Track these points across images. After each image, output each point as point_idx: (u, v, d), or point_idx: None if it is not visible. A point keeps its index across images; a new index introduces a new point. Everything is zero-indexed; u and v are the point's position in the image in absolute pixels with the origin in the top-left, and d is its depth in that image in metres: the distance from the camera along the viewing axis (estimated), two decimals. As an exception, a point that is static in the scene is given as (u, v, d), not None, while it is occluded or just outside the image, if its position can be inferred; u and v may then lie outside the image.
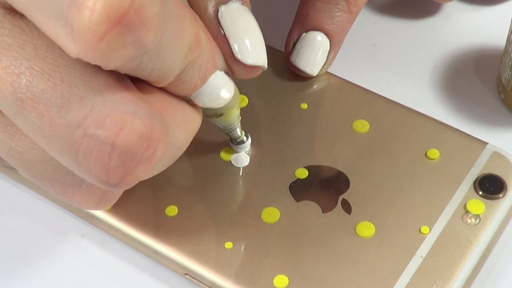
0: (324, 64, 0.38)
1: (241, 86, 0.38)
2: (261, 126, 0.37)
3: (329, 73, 0.38)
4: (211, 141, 0.36)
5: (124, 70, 0.25)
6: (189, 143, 0.29)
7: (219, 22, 0.29)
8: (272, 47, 0.39)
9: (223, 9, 0.29)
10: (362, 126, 0.36)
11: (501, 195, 0.33)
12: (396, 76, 0.40)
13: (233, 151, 0.35)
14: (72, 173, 0.27)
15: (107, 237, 0.34)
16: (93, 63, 0.24)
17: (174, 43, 0.25)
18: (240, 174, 0.35)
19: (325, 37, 0.38)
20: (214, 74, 0.28)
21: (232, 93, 0.30)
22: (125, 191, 0.34)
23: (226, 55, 0.29)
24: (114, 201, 0.29)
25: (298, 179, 0.34)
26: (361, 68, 0.40)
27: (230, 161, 0.35)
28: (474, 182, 0.34)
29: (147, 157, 0.25)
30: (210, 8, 0.29)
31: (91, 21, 0.22)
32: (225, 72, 0.29)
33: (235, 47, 0.29)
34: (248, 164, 0.35)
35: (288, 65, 0.38)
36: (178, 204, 0.34)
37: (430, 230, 0.32)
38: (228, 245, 0.33)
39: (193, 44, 0.27)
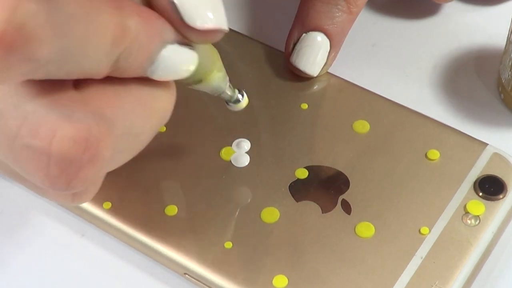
0: (325, 64, 0.38)
1: (242, 86, 0.38)
2: (261, 126, 0.37)
3: (329, 73, 0.38)
4: (211, 141, 0.36)
5: (35, 78, 0.24)
6: (160, 123, 0.28)
7: None
8: (272, 47, 0.40)
9: None
10: (362, 126, 0.36)
11: (501, 196, 0.33)
12: (396, 76, 0.40)
13: (233, 151, 0.35)
14: None
15: (107, 236, 0.34)
16: None
17: (88, 43, 0.24)
18: (240, 174, 0.35)
19: (325, 37, 0.38)
20: (164, 50, 0.27)
21: (194, 61, 0.28)
22: (124, 190, 0.35)
23: (173, 22, 0.27)
24: (90, 196, 0.29)
25: (298, 179, 0.34)
26: (361, 68, 0.40)
27: (230, 161, 0.35)
28: (474, 183, 0.34)
29: (89, 158, 0.25)
30: None
31: None
32: (179, 43, 0.27)
33: (180, 11, 0.27)
34: (248, 164, 0.35)
35: (288, 65, 0.38)
36: (177, 203, 0.34)
37: (430, 230, 0.32)
38: (228, 244, 0.33)
39: (118, 36, 0.25)
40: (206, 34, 0.27)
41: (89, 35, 0.24)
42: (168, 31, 0.27)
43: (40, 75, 0.24)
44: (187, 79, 0.28)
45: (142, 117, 0.27)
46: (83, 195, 0.29)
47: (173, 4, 0.27)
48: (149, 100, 0.28)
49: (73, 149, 0.25)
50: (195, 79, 0.29)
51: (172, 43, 0.27)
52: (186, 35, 0.27)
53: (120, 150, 0.27)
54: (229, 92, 0.32)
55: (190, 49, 0.28)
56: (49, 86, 0.25)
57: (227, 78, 0.31)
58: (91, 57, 0.25)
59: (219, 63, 0.30)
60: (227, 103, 0.33)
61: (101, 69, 0.25)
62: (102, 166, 0.26)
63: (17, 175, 0.27)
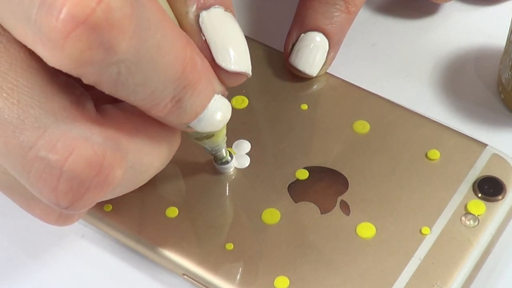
0: (324, 64, 0.38)
1: (241, 87, 0.38)
2: (261, 127, 0.37)
3: (329, 73, 0.38)
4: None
5: (103, 82, 0.24)
6: (162, 165, 0.29)
7: (200, 28, 0.28)
8: (272, 48, 0.40)
9: (204, 14, 0.28)
10: (362, 126, 0.36)
11: (500, 197, 0.33)
12: (396, 76, 0.40)
13: (234, 152, 0.35)
14: None
15: (107, 237, 0.34)
16: (64, 69, 0.24)
17: (159, 58, 0.25)
18: (241, 175, 0.35)
19: (324, 37, 0.38)
20: (213, 99, 0.28)
21: (229, 115, 0.29)
22: (125, 193, 0.34)
23: (209, 62, 0.28)
24: (74, 221, 0.30)
25: (297, 180, 0.34)
26: (361, 68, 0.40)
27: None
28: (473, 184, 0.34)
29: (97, 183, 0.25)
30: (191, 14, 0.28)
31: (57, 20, 0.22)
32: (221, 95, 0.29)
33: (217, 54, 0.28)
34: (248, 165, 0.35)
35: (288, 66, 0.38)
36: (178, 205, 0.34)
37: (431, 230, 0.32)
38: (229, 246, 0.33)
39: (188, 66, 0.26)
40: (235, 77, 0.29)
41: (163, 48, 0.25)
42: (217, 81, 0.28)
43: (108, 77, 0.24)
44: (207, 132, 0.29)
45: (151, 156, 0.28)
46: (69, 219, 0.29)
47: (207, 45, 0.28)
48: (160, 141, 0.28)
49: (86, 170, 0.25)
50: (210, 133, 0.30)
51: (218, 93, 0.28)
52: (219, 77, 0.28)
53: (127, 182, 0.27)
54: (224, 151, 0.33)
55: (227, 100, 0.29)
56: (74, 106, 0.25)
57: (226, 138, 0.32)
58: (159, 75, 0.25)
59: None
60: (215, 161, 0.34)
61: (162, 95, 0.26)
62: (106, 194, 0.26)
63: (7, 186, 0.27)
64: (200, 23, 0.28)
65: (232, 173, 0.35)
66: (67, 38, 0.23)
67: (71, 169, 0.25)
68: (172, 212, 0.34)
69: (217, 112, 0.28)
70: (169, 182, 0.35)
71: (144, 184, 0.35)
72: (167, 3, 0.28)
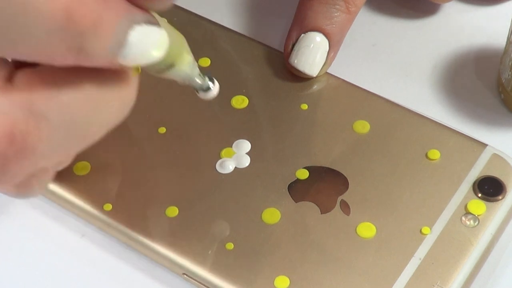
0: (324, 64, 0.38)
1: (241, 87, 0.38)
2: (261, 127, 0.37)
3: (329, 73, 0.38)
4: (212, 141, 0.36)
5: None
6: (113, 117, 0.27)
7: None
8: (272, 48, 0.40)
9: None
10: (362, 126, 0.36)
11: (500, 197, 0.33)
12: (396, 76, 0.40)
13: (234, 152, 0.35)
14: None
15: (107, 237, 0.34)
16: None
17: (30, 11, 0.23)
18: (241, 175, 0.35)
19: (324, 37, 0.38)
20: (132, 31, 0.25)
21: (165, 40, 0.27)
22: (125, 192, 0.35)
23: None
24: (34, 192, 0.29)
25: (297, 179, 0.34)
26: (361, 68, 0.40)
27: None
28: (474, 184, 0.34)
29: (15, 152, 0.25)
30: None
31: None
32: (146, 23, 0.26)
33: None
34: (248, 165, 0.35)
35: (288, 66, 0.38)
36: (178, 205, 0.34)
37: (431, 230, 0.32)
38: (229, 246, 0.33)
39: (74, 12, 0.24)
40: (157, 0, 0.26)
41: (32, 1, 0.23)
42: (133, 10, 0.26)
43: None
44: (159, 63, 0.27)
45: (87, 111, 0.26)
46: (27, 189, 0.28)
47: None
48: (97, 93, 0.26)
49: None
50: (167, 63, 0.28)
51: (139, 23, 0.26)
52: (138, 3, 0.26)
53: (63, 141, 0.26)
54: (199, 79, 0.30)
55: (159, 27, 0.26)
56: None
57: (196, 64, 0.29)
58: (39, 27, 0.23)
59: (187, 46, 0.29)
60: (198, 92, 0.31)
61: (55, 50, 0.24)
62: (35, 159, 0.25)
63: None
64: None
65: (232, 172, 0.35)
66: None
67: None
68: (172, 211, 0.34)
69: (145, 43, 0.26)
70: (169, 182, 0.35)
71: (144, 184, 0.35)
72: None
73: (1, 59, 0.26)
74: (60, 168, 0.29)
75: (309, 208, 0.34)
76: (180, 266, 0.32)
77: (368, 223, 0.33)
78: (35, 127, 0.25)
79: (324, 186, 0.34)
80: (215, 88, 0.30)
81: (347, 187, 0.34)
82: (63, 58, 0.25)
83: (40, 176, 0.27)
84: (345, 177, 0.34)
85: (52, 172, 0.28)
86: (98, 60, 0.25)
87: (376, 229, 0.33)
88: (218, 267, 0.32)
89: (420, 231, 0.32)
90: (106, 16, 0.25)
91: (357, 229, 0.33)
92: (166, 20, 0.27)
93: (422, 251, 0.32)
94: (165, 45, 0.27)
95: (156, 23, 0.26)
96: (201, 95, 0.30)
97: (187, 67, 0.29)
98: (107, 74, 0.27)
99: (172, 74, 0.29)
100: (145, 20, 0.26)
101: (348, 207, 0.33)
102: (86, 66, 0.26)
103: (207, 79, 0.30)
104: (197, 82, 0.30)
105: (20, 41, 0.24)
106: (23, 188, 0.28)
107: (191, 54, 0.29)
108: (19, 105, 0.25)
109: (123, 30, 0.25)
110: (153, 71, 0.28)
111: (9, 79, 0.26)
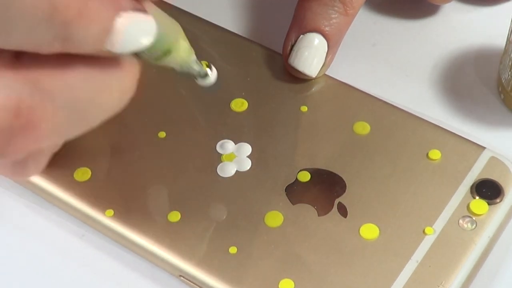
0: (323, 65, 0.38)
1: (241, 90, 0.38)
2: (261, 129, 0.37)
3: (328, 75, 0.38)
4: (213, 144, 0.36)
5: None
6: (114, 102, 0.27)
7: None
8: (271, 49, 0.40)
9: None
10: (362, 128, 0.36)
11: (498, 200, 0.33)
12: (396, 76, 0.40)
13: (234, 156, 0.36)
14: None
15: (107, 238, 0.34)
16: None
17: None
18: (242, 178, 0.35)
19: (322, 38, 0.38)
20: (118, 18, 0.25)
21: (153, 26, 0.27)
22: (126, 197, 0.35)
23: None
24: (33, 170, 0.29)
25: (295, 181, 0.35)
26: (361, 68, 0.40)
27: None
28: (472, 187, 0.34)
29: (21, 126, 0.25)
30: None
31: None
32: (133, 10, 0.26)
33: None
34: (249, 168, 0.35)
35: (287, 67, 0.38)
36: (180, 209, 0.34)
37: (433, 231, 0.33)
38: (233, 250, 0.33)
39: (59, 2, 0.24)
40: None
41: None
42: (124, 1, 0.26)
43: None
44: (154, 50, 0.27)
45: (89, 93, 0.27)
46: (23, 169, 0.28)
47: None
48: (99, 76, 0.27)
49: (2, 116, 0.24)
50: (164, 49, 0.28)
51: (125, 10, 0.26)
52: None
53: (65, 123, 0.26)
54: (196, 66, 0.30)
55: (146, 14, 0.26)
56: None
57: (193, 50, 0.29)
58: (25, 19, 0.24)
59: (183, 33, 0.29)
60: (195, 79, 0.31)
61: (41, 40, 0.24)
62: (38, 137, 0.26)
63: None
64: None
65: (233, 175, 0.35)
66: None
67: None
68: (174, 216, 0.34)
69: (132, 30, 0.26)
70: (171, 187, 0.35)
71: (146, 189, 0.35)
72: None
73: None
74: (52, 151, 0.29)
75: (306, 210, 0.34)
76: (182, 271, 0.33)
77: (372, 224, 0.33)
78: (40, 104, 0.25)
79: (321, 188, 0.34)
80: (213, 74, 0.31)
81: (344, 189, 0.34)
82: (50, 46, 0.25)
83: (35, 157, 0.28)
84: (342, 179, 0.34)
85: (47, 155, 0.28)
86: (85, 47, 0.25)
87: (380, 231, 0.33)
88: (221, 272, 0.32)
89: (424, 231, 0.33)
90: (92, 4, 0.25)
91: (360, 230, 0.33)
92: (157, 8, 0.27)
93: (422, 252, 0.32)
94: (153, 32, 0.27)
95: (143, 10, 0.26)
96: (199, 81, 0.31)
97: (184, 53, 0.29)
98: (107, 60, 0.27)
99: (169, 61, 0.29)
100: (131, 7, 0.26)
101: (346, 209, 0.33)
102: (74, 53, 0.26)
103: (204, 65, 0.30)
104: (195, 69, 0.30)
105: (4, 32, 0.24)
106: (20, 168, 0.28)
107: (187, 41, 0.29)
108: (25, 82, 0.25)
109: (109, 18, 0.25)
110: (151, 59, 0.28)
111: (17, 56, 0.26)
